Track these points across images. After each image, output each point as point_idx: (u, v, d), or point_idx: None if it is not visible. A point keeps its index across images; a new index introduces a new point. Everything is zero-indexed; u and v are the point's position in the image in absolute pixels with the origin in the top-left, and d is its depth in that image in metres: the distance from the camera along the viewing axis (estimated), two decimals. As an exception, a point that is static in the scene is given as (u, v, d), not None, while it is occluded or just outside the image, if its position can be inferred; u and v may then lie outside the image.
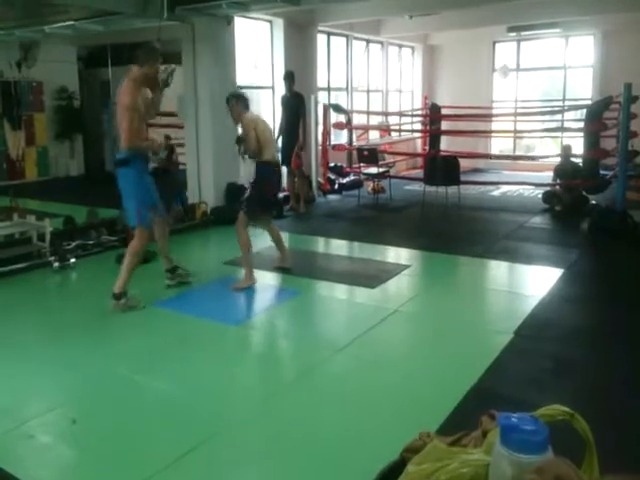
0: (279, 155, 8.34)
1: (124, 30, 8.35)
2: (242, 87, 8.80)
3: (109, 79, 11.70)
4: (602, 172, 8.26)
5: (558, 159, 9.00)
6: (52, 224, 5.90)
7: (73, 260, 5.57)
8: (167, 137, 10.66)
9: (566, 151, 8.63)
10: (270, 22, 9.38)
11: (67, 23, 7.54)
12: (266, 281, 5.31)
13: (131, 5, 6.72)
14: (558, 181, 8.44)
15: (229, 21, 7.81)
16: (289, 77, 8.18)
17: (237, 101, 5.10)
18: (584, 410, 2.15)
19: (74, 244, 5.88)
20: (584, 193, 8.15)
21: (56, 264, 5.46)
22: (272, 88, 9.54)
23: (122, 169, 4.45)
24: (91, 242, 6.11)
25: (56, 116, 11.64)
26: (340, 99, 11.35)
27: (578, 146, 9.06)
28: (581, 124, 8.91)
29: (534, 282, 5.27)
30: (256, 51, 9.59)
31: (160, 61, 4.54)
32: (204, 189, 7.90)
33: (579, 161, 8.46)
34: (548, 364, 3.48)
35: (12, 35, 8.42)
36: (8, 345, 3.86)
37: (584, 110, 8.96)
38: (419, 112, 13.33)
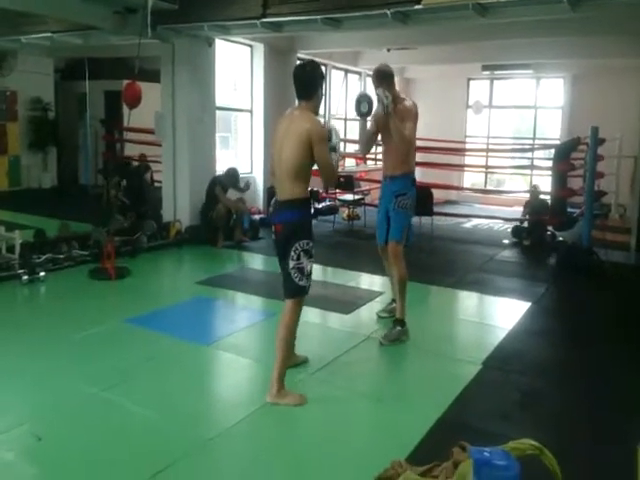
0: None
1: (103, 45, 8.34)
2: (221, 108, 8.88)
3: (86, 92, 11.62)
4: (569, 210, 8.51)
5: (527, 195, 9.27)
6: (22, 236, 5.80)
7: (43, 274, 5.48)
8: (142, 155, 10.65)
9: (534, 191, 8.90)
10: (251, 46, 9.51)
11: (45, 35, 7.50)
12: (239, 302, 5.33)
13: (112, 21, 6.70)
14: (527, 217, 8.67)
15: (210, 43, 7.90)
16: None
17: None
18: (549, 442, 2.22)
19: (44, 257, 5.79)
20: (551, 229, 8.39)
21: (25, 277, 5.36)
22: (251, 111, 9.62)
23: None
24: (62, 256, 6.03)
25: (30, 126, 11.45)
26: (317, 126, 11.45)
27: (546, 184, 9.35)
28: (550, 163, 9.18)
29: (503, 314, 5.37)
30: (236, 74, 9.69)
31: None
32: (179, 208, 7.87)
33: (547, 199, 8.72)
34: (515, 396, 3.55)
35: (-12, 44, 8.34)
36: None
37: (553, 149, 9.25)
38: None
